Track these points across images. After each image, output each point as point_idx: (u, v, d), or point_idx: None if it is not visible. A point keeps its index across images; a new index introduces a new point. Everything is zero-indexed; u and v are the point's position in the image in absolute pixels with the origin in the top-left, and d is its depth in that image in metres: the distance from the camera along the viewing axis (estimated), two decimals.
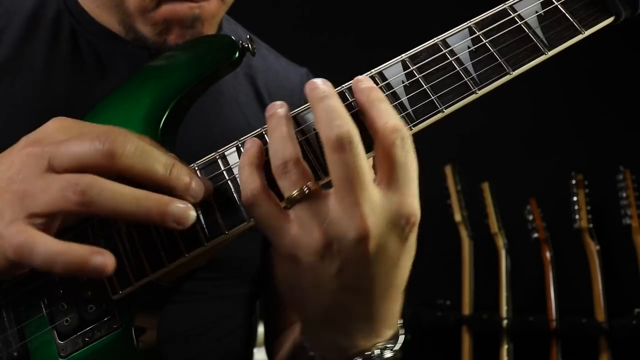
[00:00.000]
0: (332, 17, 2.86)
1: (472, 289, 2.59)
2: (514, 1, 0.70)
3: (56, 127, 0.62)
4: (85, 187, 0.56)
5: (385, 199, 0.58)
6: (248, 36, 0.78)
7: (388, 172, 0.59)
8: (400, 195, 0.59)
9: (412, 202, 0.59)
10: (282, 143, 0.59)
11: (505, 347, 2.48)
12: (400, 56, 0.69)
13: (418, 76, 0.67)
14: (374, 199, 0.57)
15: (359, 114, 0.64)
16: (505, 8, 0.70)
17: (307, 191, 0.58)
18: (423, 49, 0.69)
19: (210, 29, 0.86)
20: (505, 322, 2.49)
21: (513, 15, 0.69)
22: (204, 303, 0.92)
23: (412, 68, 0.68)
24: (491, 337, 2.51)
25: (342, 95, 0.66)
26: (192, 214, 0.60)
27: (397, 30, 2.41)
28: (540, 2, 0.70)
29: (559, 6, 0.69)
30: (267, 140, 0.62)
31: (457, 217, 2.66)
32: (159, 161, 0.60)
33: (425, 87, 0.67)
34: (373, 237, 0.57)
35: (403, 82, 0.67)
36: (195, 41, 0.81)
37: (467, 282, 2.59)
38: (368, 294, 0.62)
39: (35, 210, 0.57)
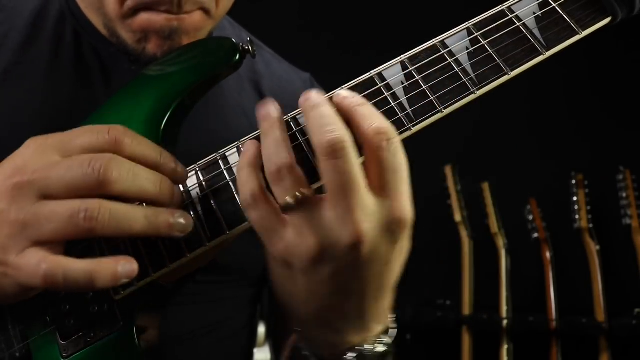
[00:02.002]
0: (332, 18, 2.86)
1: (472, 289, 2.59)
2: (512, 2, 0.71)
3: (32, 151, 0.61)
4: (94, 213, 0.57)
5: (377, 204, 0.58)
6: (248, 38, 0.78)
7: (378, 177, 0.59)
8: (392, 200, 0.59)
9: (404, 205, 0.60)
10: (275, 148, 0.59)
11: (505, 347, 2.48)
12: (399, 57, 0.69)
13: (417, 77, 0.68)
14: (367, 205, 0.57)
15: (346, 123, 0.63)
16: (503, 9, 0.71)
17: (300, 198, 0.57)
18: (422, 50, 0.69)
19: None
20: (505, 322, 2.49)
21: (511, 16, 0.70)
22: (206, 304, 0.92)
23: (411, 69, 0.68)
24: (491, 337, 2.51)
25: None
26: (189, 220, 0.63)
27: (396, 31, 2.41)
28: (538, 3, 0.70)
29: (556, 7, 0.70)
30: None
31: (457, 217, 2.66)
32: (149, 180, 0.61)
33: (424, 87, 0.67)
34: (366, 243, 0.58)
35: (402, 83, 0.68)
36: (196, 43, 0.81)
37: (467, 282, 2.59)
38: (360, 295, 0.63)
39: (42, 238, 0.57)
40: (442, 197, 2.69)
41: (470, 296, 2.57)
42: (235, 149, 0.68)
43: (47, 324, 0.65)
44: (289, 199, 0.57)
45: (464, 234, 2.66)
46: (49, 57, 0.88)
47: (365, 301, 0.64)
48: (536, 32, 0.69)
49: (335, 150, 0.56)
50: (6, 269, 0.58)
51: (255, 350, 1.07)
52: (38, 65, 0.87)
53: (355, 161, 0.57)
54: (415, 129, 0.66)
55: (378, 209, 0.58)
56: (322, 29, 2.84)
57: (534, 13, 0.70)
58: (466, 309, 2.56)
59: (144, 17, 0.80)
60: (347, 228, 0.57)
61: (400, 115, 0.66)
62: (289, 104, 1.05)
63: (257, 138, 0.67)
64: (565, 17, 0.69)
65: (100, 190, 0.58)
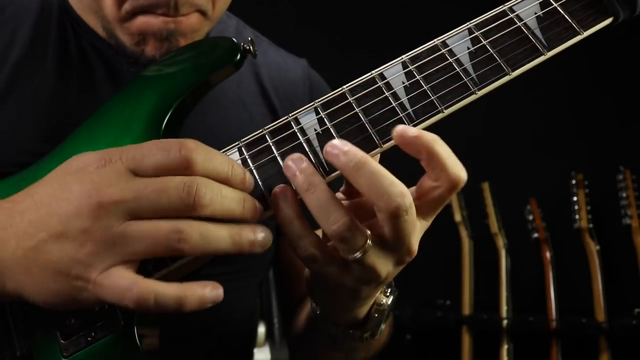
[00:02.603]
0: (332, 18, 2.86)
1: (472, 289, 2.59)
2: (513, 2, 0.71)
3: (107, 170, 0.60)
4: (187, 235, 0.57)
5: (422, 225, 0.66)
6: (250, 38, 0.78)
7: (428, 208, 0.65)
8: (430, 219, 0.67)
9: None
10: (327, 211, 0.60)
11: (505, 347, 2.48)
12: (400, 57, 0.69)
13: (418, 77, 0.68)
14: (419, 229, 0.65)
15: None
16: (504, 9, 0.71)
17: (367, 249, 0.61)
18: (423, 50, 0.69)
19: None
20: (505, 322, 2.49)
21: (512, 16, 0.70)
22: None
23: (412, 68, 0.68)
24: (491, 337, 2.51)
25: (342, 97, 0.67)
26: (270, 235, 0.63)
27: (397, 31, 2.41)
28: (539, 3, 0.70)
29: (557, 7, 0.70)
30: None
31: (457, 217, 2.66)
32: (234, 200, 0.62)
33: (425, 87, 0.67)
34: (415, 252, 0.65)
35: (403, 83, 0.68)
36: (197, 43, 0.81)
37: (467, 282, 2.59)
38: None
39: (132, 257, 0.58)
40: None
41: (470, 296, 2.57)
42: (235, 149, 0.68)
43: (48, 324, 0.65)
44: (357, 254, 0.61)
45: (464, 234, 2.66)
46: (57, 53, 0.88)
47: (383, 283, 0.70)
48: (537, 32, 0.69)
49: (399, 215, 0.59)
50: (87, 285, 0.58)
51: (255, 350, 1.08)
52: (47, 61, 0.87)
53: (414, 214, 0.61)
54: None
55: (423, 228, 0.66)
56: (323, 28, 2.83)
57: (535, 13, 0.70)
58: (466, 309, 2.56)
59: (142, 20, 0.80)
60: (405, 257, 0.65)
61: (401, 115, 0.66)
62: (288, 90, 1.05)
63: (258, 138, 0.67)
64: (567, 17, 0.69)
65: (192, 213, 0.59)
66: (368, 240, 0.60)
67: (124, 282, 0.57)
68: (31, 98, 0.85)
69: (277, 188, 0.63)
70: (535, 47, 0.68)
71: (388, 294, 0.76)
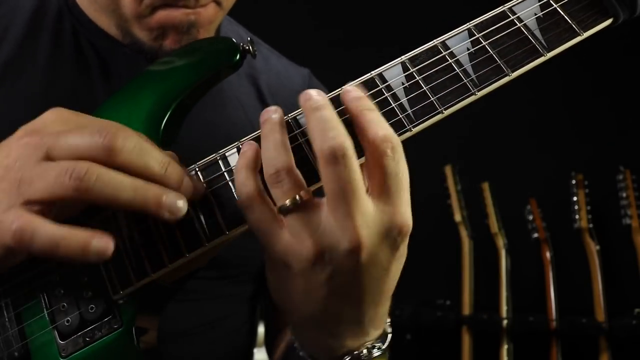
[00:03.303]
0: (333, 18, 2.86)
1: (472, 289, 2.59)
2: (513, 3, 0.71)
3: (54, 118, 0.63)
4: (81, 173, 0.56)
5: (377, 210, 0.58)
6: (249, 38, 0.78)
7: (380, 183, 0.59)
8: (393, 206, 0.59)
9: (405, 211, 0.60)
10: (275, 151, 0.59)
11: (505, 347, 2.48)
12: (400, 58, 0.69)
13: (418, 78, 0.68)
14: (367, 211, 0.58)
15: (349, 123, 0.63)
16: (504, 10, 0.70)
17: (299, 201, 0.58)
18: (423, 51, 0.69)
19: (207, 34, 0.86)
20: (505, 322, 2.49)
21: (512, 17, 0.70)
22: (205, 302, 0.92)
23: (411, 70, 0.68)
24: (491, 337, 2.51)
25: (334, 101, 0.66)
26: (185, 205, 0.61)
27: (397, 32, 2.41)
28: (539, 4, 0.70)
29: (557, 8, 0.69)
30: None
31: (457, 217, 2.66)
32: (155, 159, 0.60)
33: (425, 88, 0.67)
34: (365, 248, 0.58)
35: (403, 84, 0.68)
36: (196, 43, 0.81)
37: (467, 282, 2.59)
38: (358, 300, 0.63)
39: (31, 196, 0.57)
40: (442, 197, 2.69)
41: (470, 296, 2.57)
42: (235, 149, 0.68)
43: (47, 324, 0.65)
44: (287, 202, 0.58)
45: (464, 234, 2.66)
46: (49, 53, 0.88)
47: (362, 306, 0.64)
48: (537, 33, 0.69)
49: (336, 157, 0.56)
50: None
51: (255, 350, 1.07)
52: (38, 60, 0.87)
53: (356, 168, 0.57)
54: (415, 130, 0.66)
55: (378, 215, 0.58)
56: (323, 29, 2.83)
57: (536, 14, 0.70)
58: (466, 309, 2.56)
59: (163, 14, 0.81)
60: (346, 233, 0.57)
61: (400, 116, 0.66)
62: (287, 99, 1.05)
63: (258, 138, 0.67)
64: (567, 18, 0.69)
65: (105, 157, 0.58)
66: (302, 192, 0.58)
67: (11, 217, 0.56)
68: (21, 96, 0.85)
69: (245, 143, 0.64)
70: (535, 48, 0.68)
71: (373, 347, 0.68)
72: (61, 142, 0.59)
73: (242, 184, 0.61)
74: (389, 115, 0.66)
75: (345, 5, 2.83)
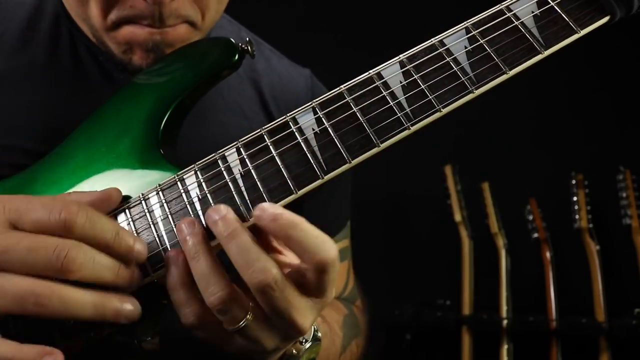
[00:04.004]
0: (330, 17, 2.86)
1: (472, 289, 2.58)
2: (510, 1, 0.71)
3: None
4: (44, 300, 0.57)
5: (311, 304, 0.64)
6: (248, 39, 0.78)
7: (316, 290, 0.63)
8: (325, 299, 0.64)
9: (331, 291, 0.65)
10: (207, 281, 0.60)
11: (505, 347, 2.48)
12: (398, 56, 0.69)
13: (415, 76, 0.68)
14: (303, 307, 0.62)
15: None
16: (501, 8, 0.71)
17: (247, 322, 0.61)
18: (420, 49, 0.70)
19: None
20: (505, 322, 2.49)
21: (509, 14, 0.70)
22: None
23: (409, 68, 0.68)
24: (491, 337, 2.51)
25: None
26: (139, 309, 0.62)
27: (394, 30, 2.41)
28: (536, 2, 0.70)
29: (554, 6, 0.70)
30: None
31: (457, 217, 2.66)
32: (107, 229, 0.61)
33: (422, 86, 0.67)
34: (307, 330, 0.64)
35: (401, 82, 0.68)
36: (195, 44, 0.81)
37: (467, 282, 2.59)
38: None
39: None
40: (442, 197, 2.69)
41: (470, 296, 2.57)
42: (234, 149, 0.68)
43: (47, 324, 0.65)
44: (240, 324, 0.61)
45: (464, 234, 2.65)
46: (47, 59, 0.87)
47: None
48: (535, 31, 0.69)
49: (264, 291, 0.59)
50: None
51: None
52: (35, 67, 0.87)
53: (287, 291, 0.60)
54: (414, 129, 0.66)
55: (314, 308, 0.64)
56: (320, 28, 2.84)
57: (533, 12, 0.70)
58: (466, 309, 2.56)
59: (128, 30, 0.80)
60: (293, 332, 0.64)
61: (398, 114, 0.66)
62: (290, 101, 1.04)
63: (256, 138, 0.67)
64: (564, 15, 0.69)
65: (58, 276, 0.58)
66: (249, 314, 0.61)
67: None
68: (21, 103, 0.84)
69: (170, 252, 0.63)
70: (533, 46, 0.68)
71: (303, 341, 0.74)
72: (14, 256, 0.57)
73: (183, 305, 0.63)
74: (387, 113, 0.67)
75: (343, 4, 2.83)
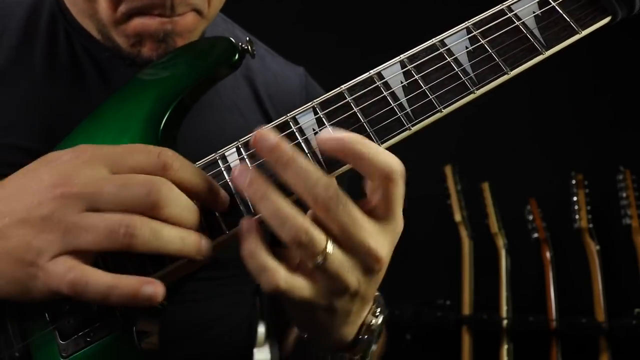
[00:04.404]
0: (330, 16, 2.86)
1: (472, 289, 2.58)
2: (512, 2, 0.71)
3: (82, 162, 0.62)
4: (135, 230, 0.58)
5: (384, 229, 0.63)
6: (247, 38, 0.78)
7: (385, 206, 0.62)
8: (394, 224, 0.64)
9: (401, 220, 0.65)
10: (281, 218, 0.59)
11: (505, 347, 2.48)
12: (398, 56, 0.69)
13: (416, 76, 0.68)
14: (373, 231, 0.62)
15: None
16: (502, 8, 0.71)
17: (328, 253, 0.60)
18: (421, 49, 0.69)
19: (187, 42, 0.85)
20: (505, 322, 2.49)
21: (510, 15, 0.70)
22: (204, 302, 0.92)
23: (410, 68, 0.68)
24: (491, 337, 2.51)
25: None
26: (212, 249, 0.64)
27: (394, 30, 2.41)
28: (538, 3, 0.70)
29: (556, 6, 0.70)
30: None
31: (457, 217, 2.66)
32: (198, 174, 0.64)
33: (423, 87, 0.67)
34: (385, 262, 0.64)
35: (401, 82, 0.68)
36: (195, 43, 0.81)
37: (467, 282, 2.59)
38: (367, 300, 0.69)
39: (80, 247, 0.58)
40: (442, 197, 2.69)
41: (470, 296, 2.57)
42: (234, 149, 0.68)
43: (47, 324, 0.65)
44: (319, 260, 0.60)
45: (464, 234, 2.65)
46: (45, 58, 0.87)
47: (368, 301, 0.69)
48: (536, 31, 0.69)
49: (329, 207, 0.59)
50: (37, 271, 0.59)
51: (255, 350, 1.07)
52: (34, 66, 0.87)
53: (350, 206, 0.60)
54: (414, 129, 0.66)
55: (386, 233, 0.63)
56: (320, 28, 2.83)
57: (534, 12, 0.70)
58: (466, 309, 2.56)
59: (138, 22, 0.80)
60: (370, 261, 0.62)
61: (399, 114, 0.66)
62: (284, 100, 1.04)
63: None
64: (565, 16, 0.69)
65: (149, 212, 0.59)
66: (328, 243, 0.60)
67: (62, 268, 0.58)
68: (17, 102, 0.84)
69: (244, 220, 0.63)
70: (534, 47, 0.68)
71: (377, 313, 0.74)
72: (105, 194, 0.59)
73: (266, 269, 0.61)
74: (387, 114, 0.66)
75: (343, 3, 2.83)
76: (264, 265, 0.61)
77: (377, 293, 0.74)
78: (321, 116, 0.67)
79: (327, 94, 0.68)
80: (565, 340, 2.49)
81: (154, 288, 0.59)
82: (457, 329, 2.56)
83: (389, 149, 0.66)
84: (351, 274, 0.62)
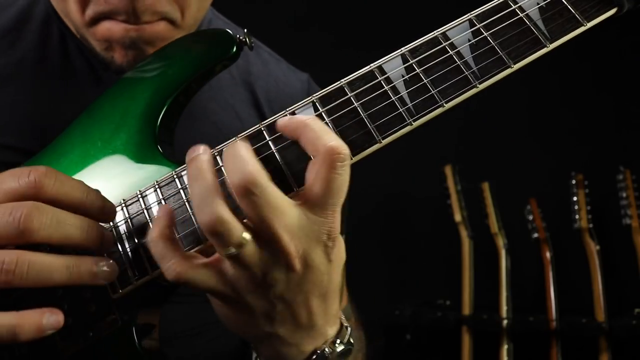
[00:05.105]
0: (329, 12, 2.86)
1: (472, 289, 2.58)
2: None
3: None
4: (11, 266, 0.56)
5: (305, 219, 0.59)
6: (245, 30, 0.76)
7: (318, 196, 0.59)
8: (324, 217, 0.60)
9: (337, 221, 0.61)
10: (204, 201, 0.57)
11: (505, 347, 2.48)
12: (399, 50, 0.68)
13: (418, 70, 0.66)
14: (292, 223, 0.58)
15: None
16: (506, 0, 0.69)
17: (243, 243, 0.57)
18: (423, 42, 0.68)
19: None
20: (505, 322, 2.48)
21: (514, 7, 0.68)
22: (201, 304, 0.91)
23: (411, 62, 0.67)
24: (491, 337, 2.51)
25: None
26: (116, 269, 0.61)
27: (396, 22, 2.40)
28: None
29: None
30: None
31: (457, 217, 2.65)
32: (77, 187, 0.61)
33: (425, 81, 0.66)
34: (299, 258, 0.59)
35: (403, 76, 0.66)
36: (192, 36, 0.80)
37: (467, 282, 2.58)
38: (304, 307, 0.64)
39: None
40: (442, 197, 2.69)
41: (470, 296, 2.57)
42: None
43: None
44: (232, 250, 0.57)
45: (464, 234, 2.65)
46: (37, 58, 0.87)
47: (311, 311, 0.65)
48: (540, 23, 0.67)
49: (247, 192, 0.55)
50: None
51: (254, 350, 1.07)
52: (26, 66, 0.86)
53: (271, 192, 0.56)
54: (416, 124, 0.65)
55: (305, 225, 0.59)
56: (320, 23, 2.83)
57: (538, 4, 0.68)
58: (466, 309, 2.56)
59: (105, 26, 0.79)
60: (278, 254, 0.58)
61: (400, 109, 0.65)
62: (284, 105, 1.04)
63: (250, 136, 0.65)
64: (570, 8, 0.67)
65: (22, 240, 0.57)
66: (244, 234, 0.57)
67: None
68: (12, 102, 0.83)
69: (160, 207, 0.62)
70: (538, 39, 0.67)
71: (337, 343, 0.69)
72: None
73: (165, 257, 0.59)
74: (388, 108, 0.65)
75: (343, 3, 2.83)
76: (163, 252, 0.59)
77: (345, 324, 0.71)
78: (321, 112, 0.65)
79: (327, 88, 0.67)
80: (565, 340, 2.48)
81: (55, 316, 0.57)
82: (457, 329, 2.56)
83: (390, 144, 0.65)
84: (268, 270, 0.59)
